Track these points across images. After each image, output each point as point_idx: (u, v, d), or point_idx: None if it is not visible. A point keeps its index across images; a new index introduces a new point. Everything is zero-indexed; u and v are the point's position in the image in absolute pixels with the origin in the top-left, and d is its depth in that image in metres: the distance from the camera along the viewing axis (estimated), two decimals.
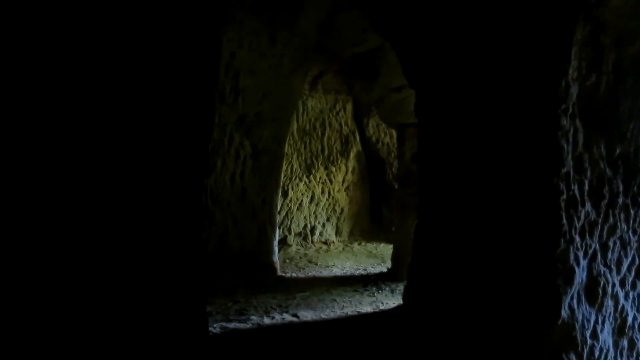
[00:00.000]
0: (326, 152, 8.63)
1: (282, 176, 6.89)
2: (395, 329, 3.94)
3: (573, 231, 2.54)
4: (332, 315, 4.60)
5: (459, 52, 2.99)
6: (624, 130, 2.68)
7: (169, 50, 2.15)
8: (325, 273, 6.74)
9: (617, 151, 2.67)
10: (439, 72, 3.25)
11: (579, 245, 2.56)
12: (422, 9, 3.26)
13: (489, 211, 2.81)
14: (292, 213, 8.39)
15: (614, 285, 2.68)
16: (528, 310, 2.59)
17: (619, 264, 2.70)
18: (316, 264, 7.27)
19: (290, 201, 8.38)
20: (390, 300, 5.08)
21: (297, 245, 8.26)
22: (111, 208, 1.96)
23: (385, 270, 6.60)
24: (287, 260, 7.38)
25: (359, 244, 8.53)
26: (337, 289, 5.65)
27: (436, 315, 3.17)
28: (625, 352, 2.72)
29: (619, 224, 2.68)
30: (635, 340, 2.75)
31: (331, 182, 8.67)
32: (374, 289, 5.59)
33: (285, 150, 6.83)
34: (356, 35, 5.33)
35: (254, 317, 4.42)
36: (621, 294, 2.71)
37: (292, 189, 8.41)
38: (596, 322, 2.60)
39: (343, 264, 7.27)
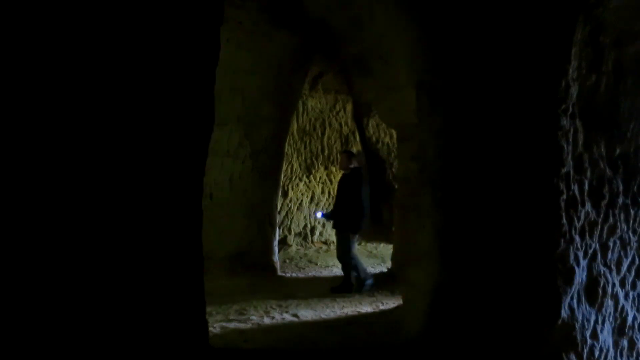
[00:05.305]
0: (326, 152, 8.62)
1: (282, 176, 6.89)
2: (394, 329, 3.94)
3: (573, 231, 2.55)
4: (332, 315, 4.60)
5: (458, 53, 2.98)
6: (624, 130, 2.68)
7: (168, 50, 2.15)
8: (325, 273, 6.73)
9: (617, 151, 2.67)
10: (439, 72, 3.25)
11: (579, 246, 2.56)
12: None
13: (489, 211, 2.81)
14: (292, 213, 8.39)
15: (614, 285, 2.68)
16: (528, 310, 2.59)
17: (619, 264, 2.70)
18: (316, 264, 7.26)
19: (290, 201, 8.37)
20: (390, 300, 5.08)
21: (297, 245, 8.26)
22: (109, 208, 1.96)
23: (385, 270, 6.60)
24: (287, 260, 7.38)
25: (359, 244, 8.52)
26: None
27: (436, 315, 3.17)
28: (625, 352, 2.73)
29: (619, 224, 2.68)
30: (635, 340, 2.75)
31: (331, 182, 8.66)
32: (374, 289, 5.59)
33: (285, 150, 6.82)
34: (355, 33, 5.31)
35: (254, 317, 4.42)
36: (621, 294, 2.71)
37: (292, 189, 8.41)
38: (596, 322, 2.61)
39: None
